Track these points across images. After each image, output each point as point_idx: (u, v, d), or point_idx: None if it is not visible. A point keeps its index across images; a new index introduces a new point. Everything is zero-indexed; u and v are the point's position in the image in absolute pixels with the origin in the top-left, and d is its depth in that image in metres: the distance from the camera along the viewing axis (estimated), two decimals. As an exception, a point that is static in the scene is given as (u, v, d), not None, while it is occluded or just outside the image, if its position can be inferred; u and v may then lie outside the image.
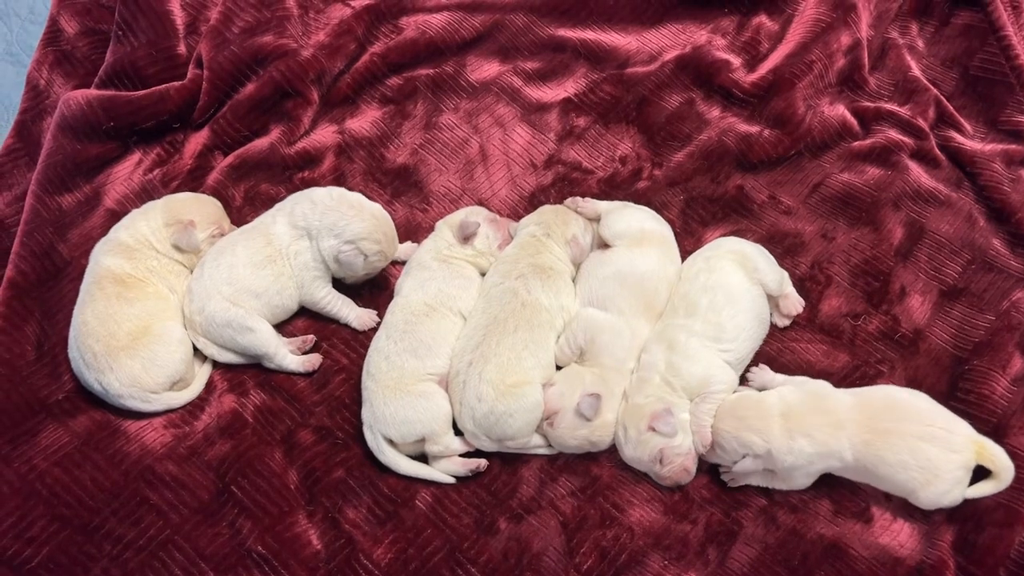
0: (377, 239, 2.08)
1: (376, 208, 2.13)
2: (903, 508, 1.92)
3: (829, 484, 1.94)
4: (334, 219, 2.06)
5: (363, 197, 2.14)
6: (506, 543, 1.91)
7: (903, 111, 2.41)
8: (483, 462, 1.97)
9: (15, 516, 1.88)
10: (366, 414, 1.98)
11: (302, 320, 2.19)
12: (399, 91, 2.47)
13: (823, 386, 1.93)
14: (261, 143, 2.38)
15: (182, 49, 2.49)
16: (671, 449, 1.88)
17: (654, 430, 1.87)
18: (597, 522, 1.93)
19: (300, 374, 2.09)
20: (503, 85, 2.48)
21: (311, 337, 2.12)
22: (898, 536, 1.90)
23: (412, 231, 2.29)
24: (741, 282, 2.00)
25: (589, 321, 2.02)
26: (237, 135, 2.39)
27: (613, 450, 1.98)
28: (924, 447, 1.80)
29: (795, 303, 2.12)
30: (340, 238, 2.05)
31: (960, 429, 1.85)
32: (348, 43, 2.47)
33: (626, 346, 2.00)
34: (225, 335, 2.06)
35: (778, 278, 2.07)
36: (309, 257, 2.09)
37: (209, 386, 2.09)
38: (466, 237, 2.14)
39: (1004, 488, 1.84)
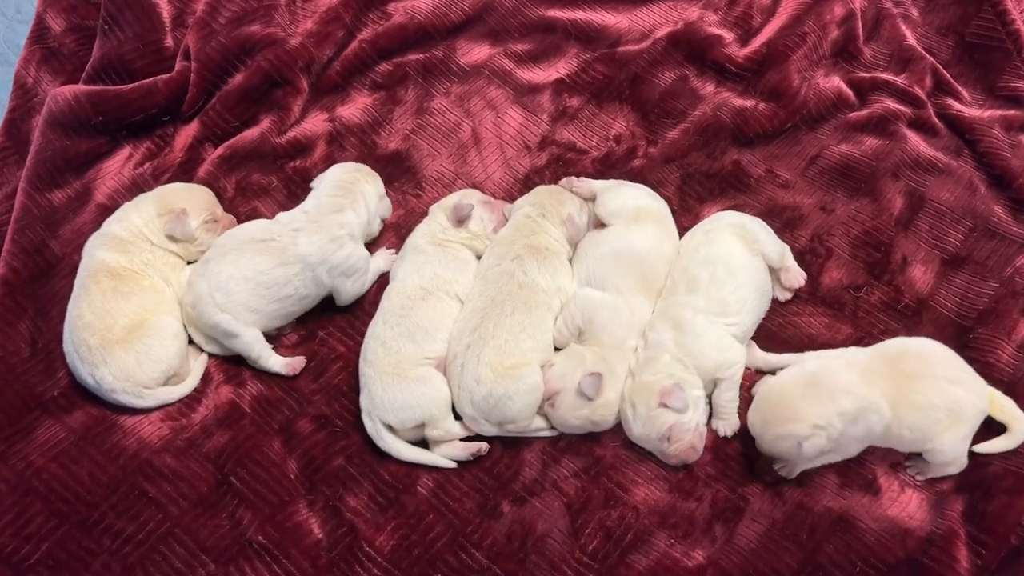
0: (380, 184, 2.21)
1: (349, 166, 2.20)
2: (910, 479, 1.91)
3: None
4: (356, 203, 2.10)
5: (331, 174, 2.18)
6: (510, 526, 1.89)
7: (899, 80, 2.38)
8: (484, 445, 1.94)
9: (12, 513, 1.86)
10: (364, 401, 1.95)
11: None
12: (389, 77, 2.45)
13: (828, 356, 1.92)
14: (251, 133, 2.35)
15: (169, 42, 2.47)
16: (680, 426, 1.86)
17: (665, 406, 1.85)
18: (601, 502, 1.91)
19: (284, 376, 2.06)
20: (494, 68, 2.46)
21: (301, 359, 2.07)
22: (907, 507, 1.88)
23: (406, 217, 2.27)
24: (742, 254, 1.98)
25: (586, 301, 1.99)
26: (227, 126, 2.37)
27: (616, 430, 1.96)
28: (951, 388, 1.82)
29: (796, 276, 2.09)
30: (371, 210, 2.13)
31: (977, 377, 1.88)
32: (336, 30, 2.44)
33: (625, 324, 1.97)
34: (214, 333, 2.04)
35: (779, 250, 2.05)
36: (352, 248, 2.08)
37: (206, 377, 2.06)
38: (460, 220, 2.12)
39: (1018, 444, 1.86)
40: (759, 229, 2.04)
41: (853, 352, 1.92)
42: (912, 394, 1.81)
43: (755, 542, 1.86)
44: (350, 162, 2.23)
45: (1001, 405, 1.88)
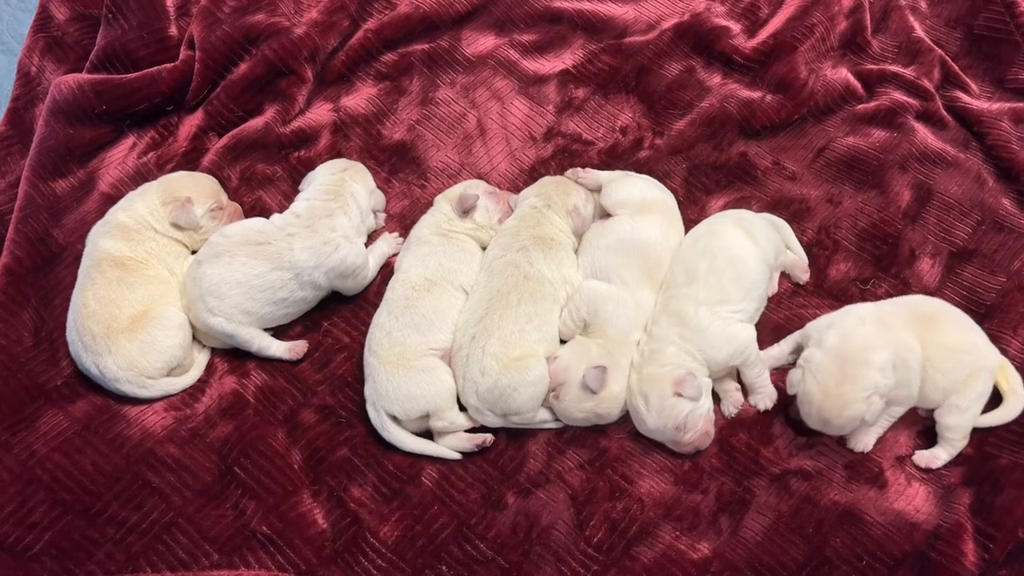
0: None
1: (335, 164, 2.20)
2: (917, 472, 1.90)
3: (842, 450, 1.91)
4: (348, 204, 2.08)
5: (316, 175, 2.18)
6: (514, 518, 1.88)
7: (907, 72, 2.36)
8: (489, 437, 1.93)
9: (16, 503, 1.85)
10: (369, 391, 1.95)
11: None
12: (394, 67, 2.43)
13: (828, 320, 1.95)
14: (256, 123, 2.34)
15: (173, 31, 2.46)
16: (695, 413, 1.85)
17: (679, 395, 1.84)
18: (606, 494, 1.90)
19: (287, 361, 2.05)
20: (500, 58, 2.44)
21: (303, 343, 2.07)
22: (913, 500, 1.87)
23: (411, 207, 2.26)
24: (742, 243, 1.96)
25: (592, 293, 1.98)
26: (231, 116, 2.36)
27: (621, 422, 1.95)
28: (971, 335, 1.91)
29: (799, 266, 2.09)
30: (364, 207, 2.11)
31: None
32: (341, 20, 2.43)
33: (631, 317, 1.96)
34: (212, 332, 2.02)
35: (774, 249, 2.04)
36: (349, 248, 2.04)
37: (210, 368, 2.06)
38: (465, 210, 2.10)
39: (1014, 416, 1.89)
40: (757, 220, 2.05)
41: (860, 308, 1.94)
42: (938, 335, 1.87)
43: (761, 535, 1.85)
44: (336, 160, 2.21)
45: (1008, 374, 1.92)
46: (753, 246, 1.97)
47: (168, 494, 1.89)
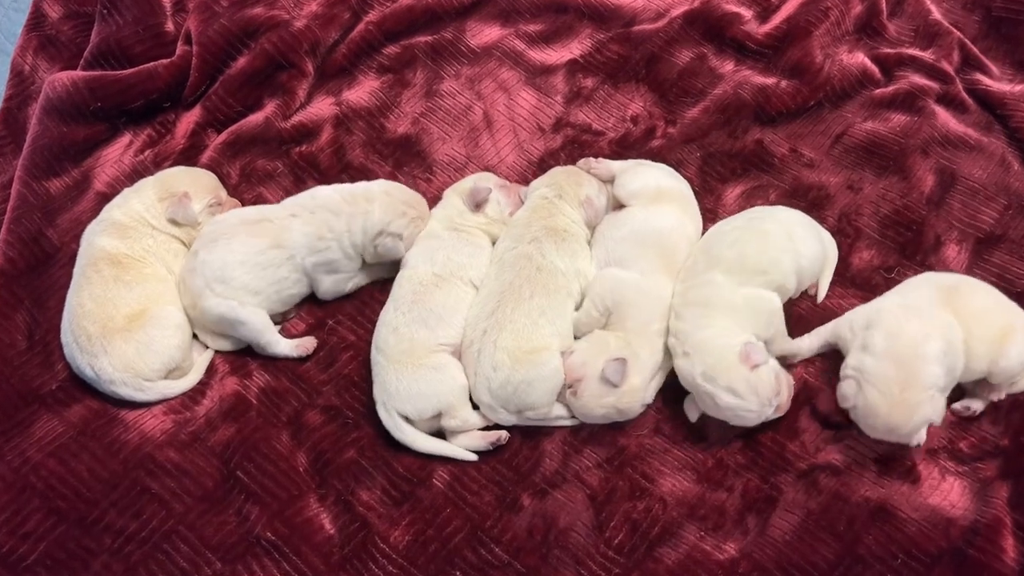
0: (402, 212, 1.97)
1: (385, 184, 2.05)
2: (951, 466, 1.82)
3: (872, 443, 1.83)
4: (354, 220, 1.96)
5: (368, 182, 2.08)
6: (531, 520, 1.80)
7: (926, 55, 2.30)
8: (504, 434, 1.85)
9: (9, 511, 1.78)
10: (378, 392, 1.86)
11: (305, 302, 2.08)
12: (397, 60, 2.37)
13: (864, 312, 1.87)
14: (256, 118, 2.27)
15: (170, 26, 2.39)
16: (779, 372, 1.79)
17: (756, 366, 1.74)
18: (627, 494, 1.82)
19: (291, 360, 1.98)
20: (505, 49, 2.38)
21: (311, 340, 2.00)
22: (949, 495, 1.79)
23: (417, 202, 2.18)
24: (777, 231, 1.89)
25: (615, 281, 1.90)
26: (230, 111, 2.29)
27: (641, 418, 1.88)
28: (993, 295, 1.85)
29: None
30: (368, 235, 1.96)
31: None
32: (342, 12, 2.37)
33: (652, 308, 1.87)
34: (220, 325, 1.95)
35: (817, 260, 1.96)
36: (340, 256, 1.97)
37: (210, 369, 1.98)
38: (478, 204, 2.03)
39: None
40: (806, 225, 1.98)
41: (889, 301, 1.86)
42: (966, 301, 1.80)
43: (790, 534, 1.76)
44: (392, 183, 2.08)
45: None
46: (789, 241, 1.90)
47: (168, 501, 1.81)
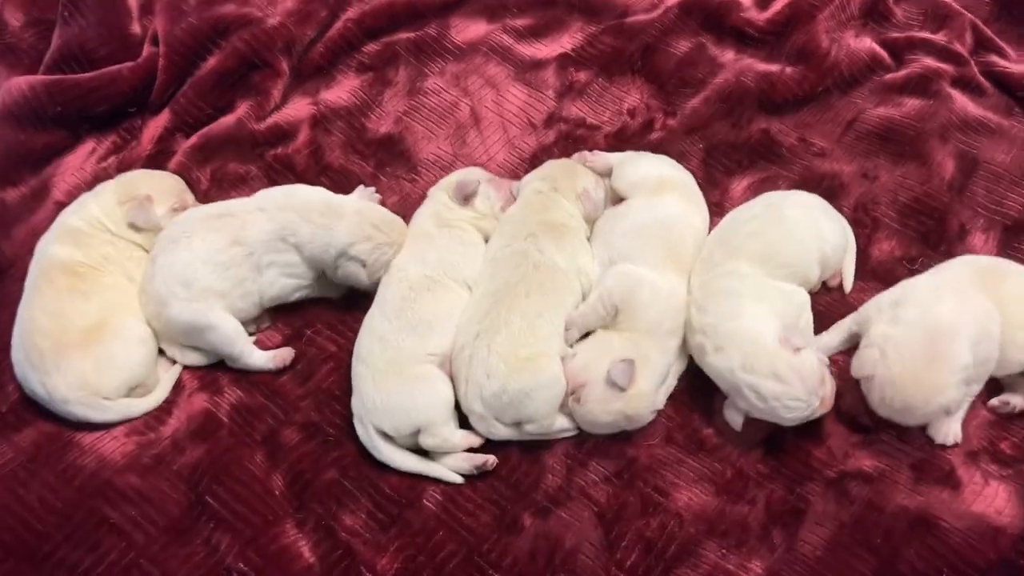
0: (367, 235, 1.79)
1: (363, 204, 1.88)
2: (994, 469, 1.66)
3: (905, 447, 1.66)
4: (318, 233, 1.79)
5: (350, 196, 1.92)
6: (533, 542, 1.63)
7: (938, 38, 2.19)
8: (491, 458, 1.69)
9: (-50, 547, 1.59)
10: (356, 404, 1.71)
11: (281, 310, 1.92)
12: (378, 57, 2.24)
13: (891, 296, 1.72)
14: (227, 120, 2.14)
15: (136, 29, 2.27)
16: (821, 358, 1.64)
17: (798, 350, 1.60)
18: (638, 510, 1.65)
19: (270, 372, 1.82)
20: (492, 44, 2.25)
21: (288, 350, 1.84)
22: (993, 502, 1.62)
23: (401, 203, 2.04)
24: (801, 220, 1.78)
25: (625, 276, 1.74)
26: (200, 114, 2.15)
27: (650, 427, 1.72)
28: None
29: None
30: (329, 253, 1.79)
31: None
32: (319, 9, 2.24)
33: (663, 306, 1.73)
34: (189, 335, 1.80)
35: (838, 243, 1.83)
36: (299, 260, 1.82)
37: (177, 386, 1.82)
38: (466, 197, 1.88)
39: None
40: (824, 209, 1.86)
41: (923, 280, 1.72)
42: (1006, 286, 1.67)
43: (821, 549, 1.59)
44: (372, 204, 1.91)
45: None
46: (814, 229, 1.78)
47: (128, 531, 1.63)
